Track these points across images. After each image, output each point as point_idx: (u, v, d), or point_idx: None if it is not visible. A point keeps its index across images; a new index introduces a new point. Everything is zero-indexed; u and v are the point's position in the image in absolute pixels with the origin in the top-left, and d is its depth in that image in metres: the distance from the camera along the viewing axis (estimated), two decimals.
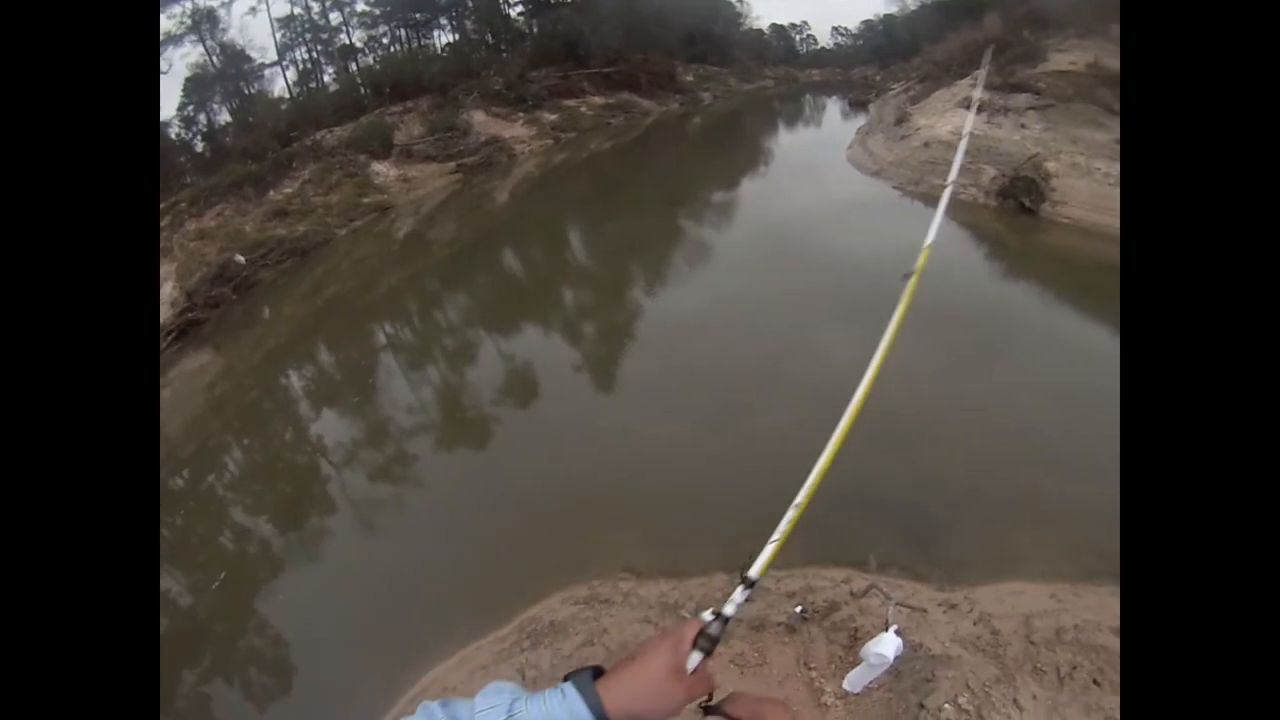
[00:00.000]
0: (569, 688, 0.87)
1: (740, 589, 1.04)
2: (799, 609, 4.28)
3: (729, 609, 1.00)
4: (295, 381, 10.02)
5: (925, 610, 4.25)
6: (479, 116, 24.41)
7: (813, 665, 3.94)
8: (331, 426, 8.28)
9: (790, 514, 1.11)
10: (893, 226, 11.14)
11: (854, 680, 3.67)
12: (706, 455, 6.18)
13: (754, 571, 1.06)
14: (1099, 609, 4.26)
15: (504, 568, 5.23)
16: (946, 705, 3.62)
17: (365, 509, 6.57)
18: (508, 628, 4.67)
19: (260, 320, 12.37)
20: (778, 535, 1.11)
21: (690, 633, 0.95)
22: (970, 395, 6.67)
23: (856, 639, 4.04)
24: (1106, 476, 5.55)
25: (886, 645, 3.42)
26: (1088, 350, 7.74)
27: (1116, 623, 4.12)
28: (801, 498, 1.13)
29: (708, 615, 1.00)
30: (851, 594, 4.43)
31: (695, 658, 0.94)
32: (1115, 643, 3.98)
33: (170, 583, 6.05)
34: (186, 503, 7.46)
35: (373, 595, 5.30)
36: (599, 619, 4.53)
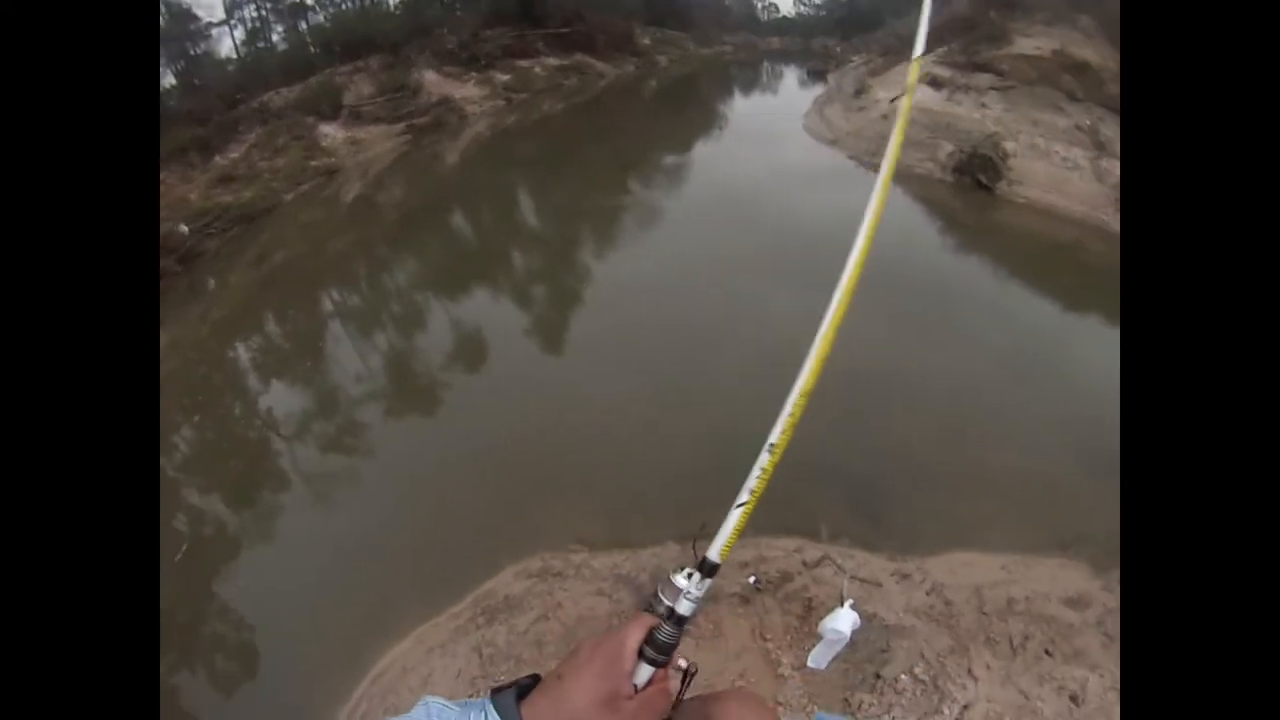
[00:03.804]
0: (491, 713, 0.72)
1: (697, 578, 0.84)
2: (752, 579, 4.29)
3: (684, 606, 0.81)
4: (243, 354, 9.64)
5: (880, 584, 4.31)
6: (430, 76, 23.68)
7: (769, 636, 3.96)
8: (280, 398, 8.01)
9: (756, 472, 0.90)
10: (845, 196, 11.18)
11: (817, 658, 3.70)
12: (654, 420, 6.17)
13: (713, 553, 0.86)
14: (1048, 580, 4.38)
15: (455, 542, 5.13)
16: (903, 676, 3.68)
17: (316, 483, 6.38)
18: (462, 604, 4.58)
19: (206, 292, 11.89)
20: (744, 498, 0.89)
21: (633, 640, 0.77)
22: (918, 366, 6.78)
23: (811, 609, 4.08)
24: (1049, 450, 5.72)
25: (843, 621, 3.45)
26: (1036, 326, 7.94)
27: (1066, 594, 4.25)
28: (763, 467, 0.90)
29: (664, 600, 0.81)
30: (804, 564, 4.47)
31: (644, 671, 0.77)
32: (1065, 613, 4.09)
33: None
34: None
35: (325, 574, 5.16)
36: (553, 593, 4.48)
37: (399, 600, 4.70)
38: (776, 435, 0.89)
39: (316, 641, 4.59)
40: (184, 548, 5.86)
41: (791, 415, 0.90)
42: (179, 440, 7.58)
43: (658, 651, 0.77)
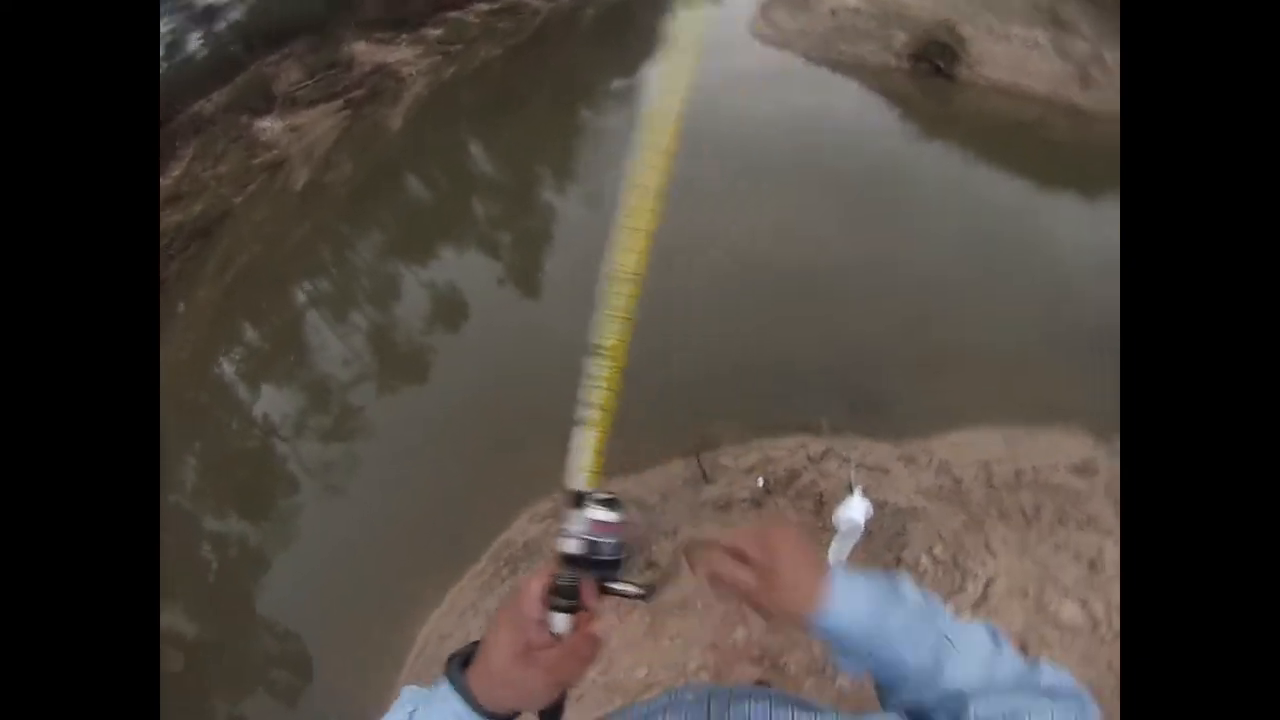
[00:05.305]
0: (446, 684, 0.71)
1: (576, 514, 0.78)
2: (760, 482, 4.30)
3: (569, 546, 0.76)
4: (226, 367, 9.49)
5: (887, 470, 4.33)
6: (360, 47, 22.79)
7: None
8: (272, 401, 7.98)
9: (588, 383, 0.81)
10: (798, 95, 10.99)
11: (836, 552, 3.71)
12: (634, 342, 6.14)
13: (577, 483, 0.80)
14: (1052, 450, 4.37)
15: (466, 500, 5.15)
16: (923, 557, 3.70)
17: (324, 474, 6.42)
18: (484, 559, 4.63)
19: (176, 316, 11.67)
20: (585, 414, 0.80)
21: (534, 589, 0.73)
22: (892, 254, 6.72)
23: (823, 504, 4.09)
24: (1035, 324, 5.71)
25: (855, 509, 3.44)
26: (1005, 205, 7.84)
27: (1071, 462, 4.24)
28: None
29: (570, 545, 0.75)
30: (809, 459, 4.48)
31: (561, 621, 0.73)
32: (1073, 481, 4.09)
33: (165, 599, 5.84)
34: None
35: (351, 559, 5.21)
36: None
37: (423, 570, 4.74)
38: (603, 336, 0.79)
39: (354, 636, 4.64)
40: (213, 568, 5.92)
41: (618, 310, 0.80)
42: (184, 469, 7.55)
43: (561, 596, 0.73)
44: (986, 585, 3.54)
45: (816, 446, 4.55)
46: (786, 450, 4.59)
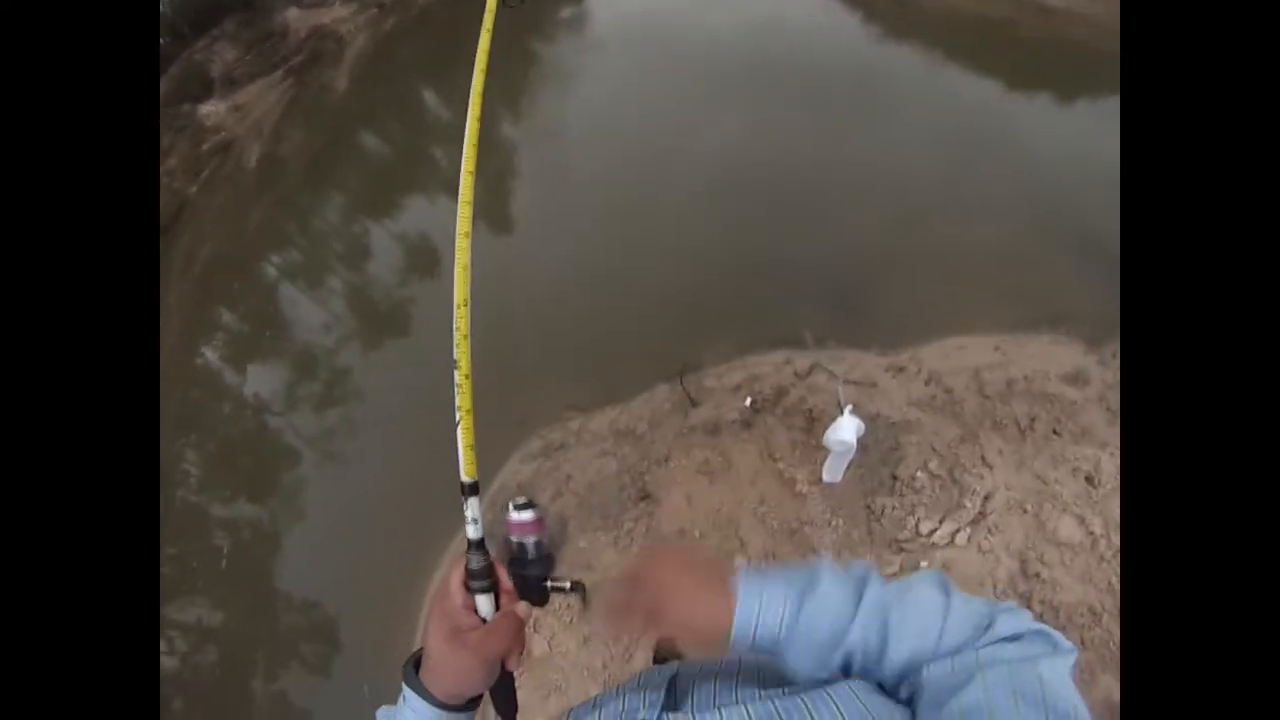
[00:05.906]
0: (405, 689, 0.78)
1: (469, 503, 0.87)
2: (748, 401, 4.26)
3: (471, 531, 0.84)
4: (210, 358, 9.32)
5: (875, 383, 4.28)
6: (293, 13, 21.82)
7: (778, 456, 3.95)
8: (261, 378, 7.96)
9: (455, 391, 0.89)
10: (751, 4, 10.59)
11: (831, 471, 3.69)
12: (613, 268, 6.03)
13: (463, 474, 0.88)
14: (1043, 358, 4.32)
15: (454, 451, 5.10)
16: (919, 473, 3.67)
17: (322, 441, 6.45)
18: (483, 504, 4.60)
19: None
20: (457, 417, 0.88)
21: (455, 578, 0.81)
22: (862, 157, 6.57)
23: (814, 420, 4.06)
24: (1016, 226, 5.61)
25: (846, 430, 3.40)
26: (979, 104, 7.64)
27: (1063, 370, 4.18)
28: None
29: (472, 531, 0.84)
30: (796, 375, 4.43)
31: (483, 603, 0.80)
32: (1066, 390, 4.04)
33: (178, 581, 5.81)
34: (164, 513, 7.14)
35: (357, 520, 5.21)
36: (559, 467, 4.46)
37: (424, 532, 4.68)
38: (454, 351, 0.89)
39: (371, 598, 4.65)
40: (225, 552, 5.90)
41: (459, 330, 0.89)
42: (187, 465, 7.52)
43: (476, 579, 0.80)
44: (985, 500, 3.53)
45: (803, 361, 4.48)
46: (772, 366, 4.54)
